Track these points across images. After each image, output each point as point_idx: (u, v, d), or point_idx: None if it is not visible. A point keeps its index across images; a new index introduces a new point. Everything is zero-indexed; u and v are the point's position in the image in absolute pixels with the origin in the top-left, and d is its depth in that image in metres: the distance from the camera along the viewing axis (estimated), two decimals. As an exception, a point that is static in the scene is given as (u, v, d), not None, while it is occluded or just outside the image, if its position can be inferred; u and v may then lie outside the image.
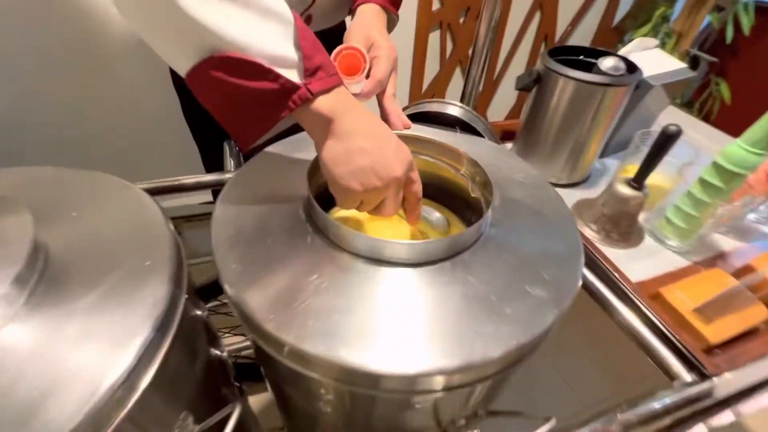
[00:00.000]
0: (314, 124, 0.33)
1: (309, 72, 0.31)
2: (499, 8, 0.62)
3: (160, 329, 0.29)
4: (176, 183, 0.56)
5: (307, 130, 0.34)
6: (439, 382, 0.28)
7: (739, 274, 0.46)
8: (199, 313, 0.39)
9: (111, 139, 0.99)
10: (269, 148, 0.47)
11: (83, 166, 0.41)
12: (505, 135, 0.73)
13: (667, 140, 0.44)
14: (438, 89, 1.34)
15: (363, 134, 0.33)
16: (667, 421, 0.36)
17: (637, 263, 0.50)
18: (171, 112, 0.73)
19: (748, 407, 0.36)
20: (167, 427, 0.33)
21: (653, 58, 0.63)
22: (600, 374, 1.01)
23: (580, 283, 0.34)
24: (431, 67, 1.30)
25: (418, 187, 0.37)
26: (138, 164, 1.04)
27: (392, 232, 0.45)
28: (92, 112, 0.94)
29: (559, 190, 0.61)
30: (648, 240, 0.54)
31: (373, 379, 0.28)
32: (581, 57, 0.60)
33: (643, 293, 0.44)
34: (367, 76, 0.48)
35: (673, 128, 0.43)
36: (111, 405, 0.25)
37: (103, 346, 0.26)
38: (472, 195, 0.43)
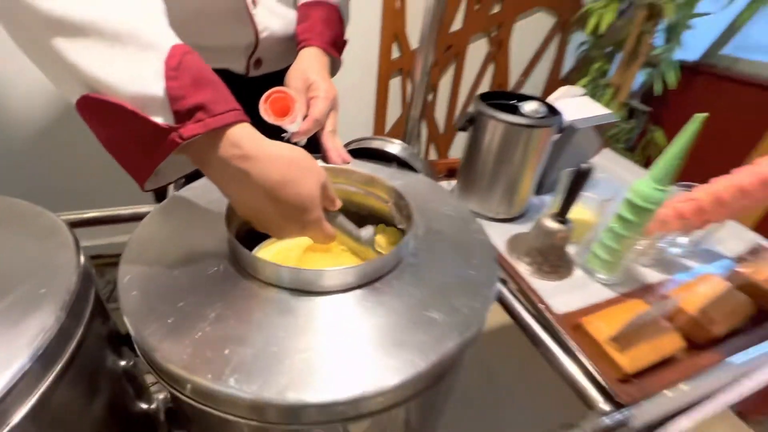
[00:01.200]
0: (204, 166, 0.31)
1: (181, 114, 0.28)
2: (431, 57, 0.67)
3: (41, 361, 0.27)
4: (112, 214, 0.55)
5: (203, 170, 0.32)
6: (337, 412, 0.27)
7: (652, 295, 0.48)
8: (113, 356, 0.37)
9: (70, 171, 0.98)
10: (201, 180, 0.47)
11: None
12: (451, 172, 0.76)
13: (580, 177, 0.47)
14: (399, 131, 1.40)
15: (261, 190, 0.31)
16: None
17: (567, 295, 0.52)
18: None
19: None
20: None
21: (580, 104, 0.69)
22: (530, 403, 0.99)
23: (490, 299, 0.35)
24: (394, 111, 1.36)
25: (325, 230, 0.37)
26: (96, 195, 1.02)
27: (327, 257, 0.45)
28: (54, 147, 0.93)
29: (496, 224, 0.64)
30: (578, 272, 0.56)
31: (263, 411, 0.27)
32: (513, 102, 0.65)
33: (567, 324, 0.45)
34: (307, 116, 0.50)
35: (585, 166, 0.47)
36: None
37: None
38: (398, 226, 0.44)
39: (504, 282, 0.52)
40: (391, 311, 0.32)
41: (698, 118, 0.42)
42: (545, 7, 1.32)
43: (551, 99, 0.68)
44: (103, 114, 0.28)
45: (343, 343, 0.30)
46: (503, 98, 0.62)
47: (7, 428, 0.26)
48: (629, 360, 0.40)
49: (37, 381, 0.27)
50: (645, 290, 0.53)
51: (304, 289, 0.33)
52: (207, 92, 0.29)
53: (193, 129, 0.28)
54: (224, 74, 0.47)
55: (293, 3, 0.59)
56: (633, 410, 0.38)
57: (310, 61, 0.52)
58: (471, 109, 0.60)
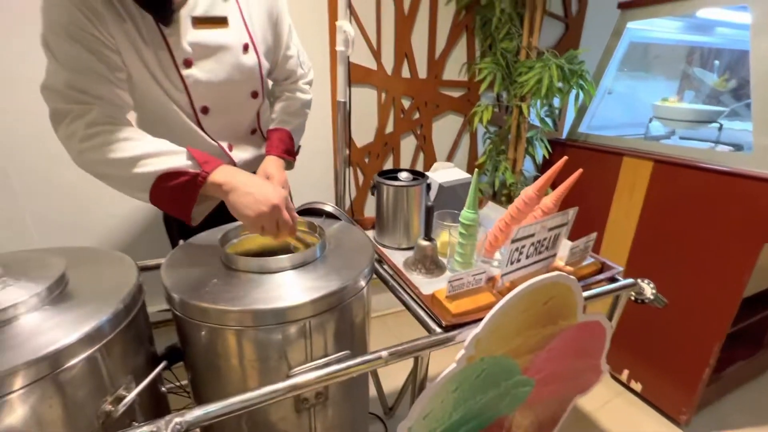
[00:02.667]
0: (218, 191, 0.65)
1: (202, 163, 0.64)
2: (345, 149, 1.06)
3: (112, 320, 0.53)
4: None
5: (217, 196, 0.66)
6: (292, 313, 0.56)
7: (493, 284, 0.78)
8: (140, 326, 0.64)
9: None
10: (200, 234, 0.79)
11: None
12: (374, 224, 1.09)
13: (428, 211, 0.81)
14: (357, 207, 1.77)
15: (246, 185, 0.64)
16: (426, 353, 0.62)
17: (438, 285, 0.80)
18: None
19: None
20: (116, 386, 0.55)
21: (449, 172, 1.06)
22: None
23: (365, 275, 0.65)
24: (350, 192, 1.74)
25: (294, 213, 0.68)
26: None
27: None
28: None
29: (400, 252, 0.95)
30: (448, 273, 0.86)
31: (240, 317, 0.55)
32: (397, 174, 1.01)
33: (427, 298, 0.74)
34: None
35: (428, 205, 0.80)
36: (72, 350, 0.48)
37: (69, 325, 0.50)
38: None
39: (395, 281, 0.82)
40: (313, 277, 0.62)
41: (476, 172, 0.78)
42: (452, 110, 1.83)
43: (431, 170, 1.06)
44: (165, 182, 0.61)
45: (285, 290, 0.59)
46: (393, 173, 0.98)
47: (76, 360, 0.52)
48: (454, 306, 0.69)
49: (95, 341, 0.51)
50: (490, 280, 0.83)
51: (264, 271, 0.63)
52: (208, 156, 0.65)
53: (209, 167, 0.64)
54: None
55: (257, 141, 0.98)
56: (455, 332, 0.65)
57: (269, 163, 0.89)
58: (372, 181, 0.96)
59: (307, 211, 0.94)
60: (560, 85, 1.47)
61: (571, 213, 0.78)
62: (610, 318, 0.89)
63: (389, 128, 1.73)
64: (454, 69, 1.75)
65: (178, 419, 0.46)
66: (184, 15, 0.72)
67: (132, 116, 0.83)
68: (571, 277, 0.70)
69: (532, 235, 0.73)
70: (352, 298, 0.63)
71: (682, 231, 1.31)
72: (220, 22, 0.77)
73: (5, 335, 0.48)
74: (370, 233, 1.03)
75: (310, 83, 1.05)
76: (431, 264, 0.85)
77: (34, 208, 1.24)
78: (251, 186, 0.64)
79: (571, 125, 1.71)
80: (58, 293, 0.56)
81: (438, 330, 0.66)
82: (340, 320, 0.63)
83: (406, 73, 1.66)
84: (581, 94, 1.52)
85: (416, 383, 0.66)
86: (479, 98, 1.82)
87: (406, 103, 1.72)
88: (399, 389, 1.36)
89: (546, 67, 1.41)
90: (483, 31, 1.67)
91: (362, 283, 0.66)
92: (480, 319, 0.68)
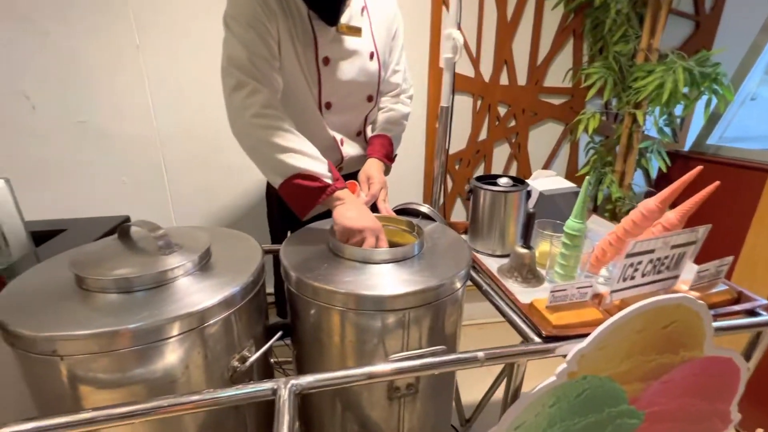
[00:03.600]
0: (335, 202, 0.73)
1: (334, 180, 0.73)
2: (443, 154, 1.07)
3: (243, 290, 0.62)
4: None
5: (330, 205, 0.74)
6: (391, 302, 0.60)
7: (598, 300, 0.73)
8: (261, 299, 0.74)
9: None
10: (312, 224, 0.87)
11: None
12: (467, 229, 1.08)
13: (529, 217, 0.78)
14: (447, 213, 1.77)
15: (355, 203, 0.73)
16: (523, 360, 0.61)
17: (535, 295, 0.77)
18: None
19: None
20: (242, 346, 0.64)
21: (551, 181, 1.01)
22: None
23: (461, 276, 0.66)
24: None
25: (382, 243, 0.74)
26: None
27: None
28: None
29: (494, 258, 0.94)
30: (547, 284, 0.82)
31: (346, 299, 0.60)
32: (495, 180, 0.99)
33: (524, 306, 0.72)
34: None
35: (530, 211, 0.78)
36: (214, 311, 0.57)
37: (212, 290, 0.60)
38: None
39: (491, 287, 0.80)
40: (410, 272, 0.65)
41: (586, 179, 0.74)
42: (552, 118, 1.73)
43: (531, 178, 1.02)
44: (300, 180, 0.71)
45: (386, 280, 0.63)
46: (490, 179, 0.97)
47: (213, 321, 0.61)
48: (556, 318, 0.65)
49: (230, 306, 0.60)
50: (595, 296, 0.77)
51: (367, 261, 0.68)
52: (338, 175, 0.75)
53: (340, 185, 0.73)
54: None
55: (361, 143, 1.06)
56: (556, 344, 0.62)
57: (370, 165, 0.95)
58: (469, 185, 0.96)
59: (403, 211, 0.98)
60: (686, 90, 1.31)
61: (702, 231, 0.69)
62: (747, 359, 0.76)
63: (482, 135, 1.71)
64: (558, 75, 1.67)
65: (294, 381, 0.52)
66: None
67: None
68: (701, 302, 0.62)
69: (652, 251, 0.66)
70: (447, 297, 0.65)
71: None
72: (356, 31, 0.88)
73: (169, 291, 0.59)
74: (463, 237, 1.03)
75: (410, 98, 1.11)
76: (528, 273, 0.82)
77: (175, 196, 1.50)
78: (358, 208, 0.75)
79: (697, 136, 1.50)
80: (205, 263, 0.68)
81: (537, 339, 0.63)
82: (435, 317, 0.65)
83: (504, 80, 1.63)
84: (713, 101, 1.32)
85: (509, 391, 0.64)
86: (584, 106, 1.70)
87: (501, 111, 1.68)
88: (477, 403, 1.32)
89: (670, 71, 1.26)
90: (593, 34, 1.56)
91: (458, 284, 0.67)
92: (582, 335, 0.64)
